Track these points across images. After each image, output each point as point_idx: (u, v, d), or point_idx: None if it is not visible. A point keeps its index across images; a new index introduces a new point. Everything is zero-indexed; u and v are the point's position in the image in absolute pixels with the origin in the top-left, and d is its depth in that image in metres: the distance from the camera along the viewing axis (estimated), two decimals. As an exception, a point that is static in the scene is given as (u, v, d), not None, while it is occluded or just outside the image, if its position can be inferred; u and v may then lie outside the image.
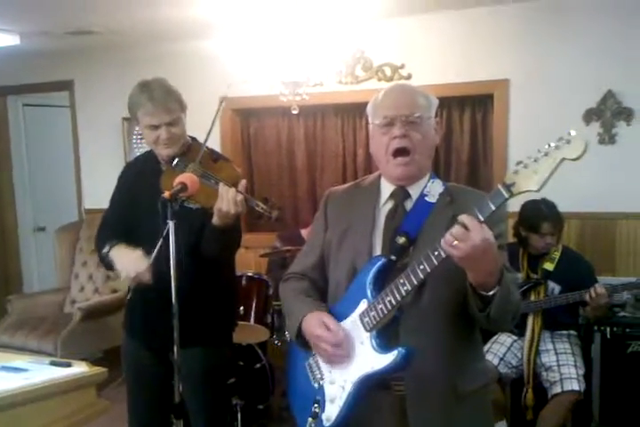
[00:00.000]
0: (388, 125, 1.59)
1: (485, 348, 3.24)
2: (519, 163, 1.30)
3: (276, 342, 3.62)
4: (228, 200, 1.96)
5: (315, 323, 1.60)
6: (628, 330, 3.34)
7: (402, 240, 1.56)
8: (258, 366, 3.51)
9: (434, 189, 1.63)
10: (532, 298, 3.22)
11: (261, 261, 4.15)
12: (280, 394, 3.80)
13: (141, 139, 4.95)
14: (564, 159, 1.24)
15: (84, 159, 5.18)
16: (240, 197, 1.96)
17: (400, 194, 1.65)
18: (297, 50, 3.59)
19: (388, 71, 4.07)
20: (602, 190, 3.67)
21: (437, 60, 3.95)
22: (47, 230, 5.61)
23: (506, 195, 1.31)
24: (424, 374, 1.53)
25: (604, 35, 3.63)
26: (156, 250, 1.96)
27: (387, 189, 1.69)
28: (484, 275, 1.39)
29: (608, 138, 3.69)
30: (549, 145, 1.26)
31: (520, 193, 1.31)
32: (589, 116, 3.70)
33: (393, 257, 1.55)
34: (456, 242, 1.31)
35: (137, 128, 4.84)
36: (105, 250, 2.22)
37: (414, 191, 1.65)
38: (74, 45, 4.62)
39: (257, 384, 3.50)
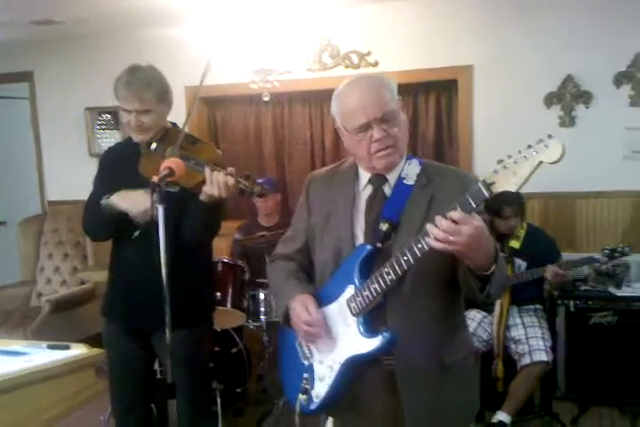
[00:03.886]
0: (364, 131, 1.59)
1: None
2: (500, 162, 1.35)
3: (251, 326, 3.67)
4: (218, 185, 2.00)
5: (298, 303, 1.67)
6: (589, 303, 3.51)
7: (385, 227, 1.60)
8: (234, 350, 3.54)
9: (411, 170, 1.66)
10: (501, 275, 3.35)
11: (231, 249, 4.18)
12: (256, 378, 3.85)
13: (105, 129, 4.91)
14: (541, 162, 1.31)
15: (45, 151, 5.10)
16: (231, 181, 2.00)
17: (378, 179, 1.68)
18: (265, 38, 3.62)
19: (355, 58, 4.14)
20: (563, 171, 3.76)
21: (403, 46, 4.03)
22: (7, 224, 5.50)
23: (486, 194, 1.36)
24: (412, 351, 1.60)
25: (563, 21, 3.77)
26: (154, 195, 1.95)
27: (364, 174, 1.71)
28: (482, 259, 1.44)
29: (568, 120, 3.84)
30: (530, 148, 1.32)
31: (498, 192, 1.36)
32: (550, 99, 3.85)
33: (379, 244, 1.60)
34: (451, 237, 1.34)
35: (100, 118, 4.87)
36: (103, 200, 2.20)
37: (392, 175, 1.67)
38: (33, 36, 4.53)
39: (234, 369, 3.54)
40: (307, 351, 1.75)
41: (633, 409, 3.38)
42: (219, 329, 3.43)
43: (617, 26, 3.71)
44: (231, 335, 3.55)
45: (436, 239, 1.36)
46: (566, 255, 3.39)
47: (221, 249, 4.27)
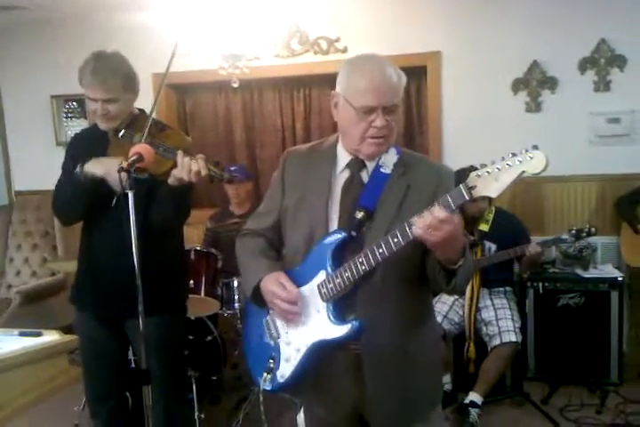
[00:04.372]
0: (367, 113, 1.57)
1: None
2: (483, 166, 1.38)
3: (225, 314, 3.67)
4: (188, 170, 1.99)
5: (272, 281, 1.66)
6: (558, 285, 3.60)
7: (360, 215, 1.60)
8: (209, 338, 3.54)
9: (388, 159, 1.67)
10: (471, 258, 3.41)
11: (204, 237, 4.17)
12: (231, 365, 3.86)
13: (72, 117, 4.84)
14: (524, 172, 1.34)
15: (11, 140, 5.00)
16: (202, 166, 1.99)
17: (356, 164, 1.68)
18: (234, 23, 3.59)
19: (324, 44, 4.13)
20: (530, 156, 3.87)
21: (372, 33, 4.04)
22: (-26, 216, 5.39)
23: (466, 197, 1.39)
24: (379, 338, 1.62)
25: (529, 7, 3.82)
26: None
27: (343, 157, 1.71)
28: (453, 253, 1.48)
29: (534, 106, 3.90)
30: (514, 156, 1.35)
31: (480, 197, 1.41)
32: (517, 85, 3.90)
33: (353, 233, 1.61)
34: (430, 230, 1.38)
35: (67, 106, 4.79)
36: (77, 169, 2.15)
37: (370, 162, 1.67)
38: (-5, 21, 4.43)
39: (209, 356, 3.54)
40: (274, 331, 1.76)
41: (601, 388, 3.47)
42: (192, 317, 3.43)
43: (581, 12, 3.77)
44: (205, 323, 3.55)
45: (418, 229, 1.40)
46: (535, 239, 3.45)
47: (193, 238, 4.26)
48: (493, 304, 3.41)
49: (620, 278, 3.54)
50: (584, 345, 3.53)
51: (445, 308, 3.44)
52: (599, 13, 3.75)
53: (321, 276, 1.64)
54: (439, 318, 3.35)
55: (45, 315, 4.16)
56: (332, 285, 1.61)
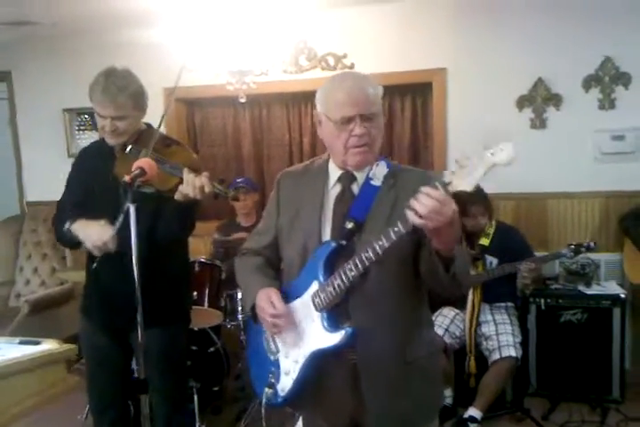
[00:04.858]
0: (346, 123, 1.63)
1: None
2: (456, 162, 1.41)
3: (228, 325, 3.70)
4: (194, 187, 2.05)
5: (262, 297, 1.72)
6: (560, 301, 3.60)
7: (350, 225, 1.65)
8: (212, 349, 3.58)
9: (378, 171, 1.72)
10: (472, 273, 3.42)
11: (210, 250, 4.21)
12: (234, 376, 3.89)
13: (84, 130, 4.93)
14: (495, 164, 1.38)
15: (24, 152, 5.09)
16: (207, 184, 2.04)
17: (347, 178, 1.73)
18: (242, 39, 3.66)
19: (332, 61, 4.19)
20: (534, 172, 3.90)
21: (379, 49, 4.10)
22: (-14, 225, 5.48)
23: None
24: (374, 347, 1.65)
25: (534, 25, 3.86)
26: (119, 221, 2.01)
27: (334, 172, 1.77)
28: (451, 240, 1.49)
29: (539, 123, 3.93)
30: (485, 149, 1.39)
31: (456, 192, 1.42)
32: (522, 102, 3.94)
33: (343, 242, 1.65)
34: (434, 215, 1.39)
35: (79, 119, 4.88)
36: (66, 226, 2.24)
37: (360, 175, 1.73)
38: (10, 36, 4.53)
39: (211, 367, 3.58)
40: (273, 346, 1.80)
41: (602, 405, 3.46)
42: (196, 328, 3.47)
43: (586, 30, 3.80)
44: (209, 335, 3.58)
45: (420, 216, 1.39)
46: (538, 255, 3.46)
47: (199, 249, 4.30)
48: (494, 319, 3.42)
49: (622, 295, 3.53)
50: (586, 362, 3.52)
51: (447, 321, 3.45)
52: (604, 31, 3.78)
53: (314, 286, 1.68)
54: (440, 332, 3.36)
55: (53, 324, 4.21)
56: (324, 294, 1.64)
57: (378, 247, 1.52)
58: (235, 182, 4.11)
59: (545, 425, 3.31)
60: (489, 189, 3.56)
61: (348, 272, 1.59)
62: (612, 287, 3.68)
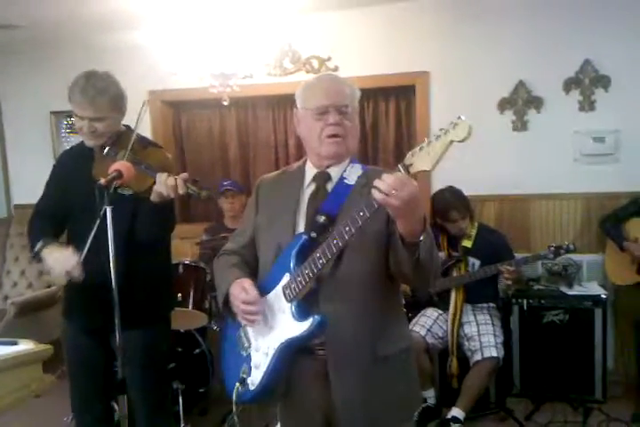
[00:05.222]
0: (322, 113, 1.72)
1: (414, 321, 3.47)
2: (417, 145, 1.45)
3: (214, 327, 3.72)
4: (166, 186, 2.07)
5: (236, 286, 1.74)
6: (542, 302, 3.63)
7: (322, 219, 1.69)
8: (197, 351, 3.59)
9: (352, 172, 1.77)
10: (455, 274, 3.46)
11: (197, 252, 4.23)
12: (220, 378, 3.90)
13: (71, 133, 4.94)
14: (452, 141, 1.40)
15: (11, 155, 5.10)
16: (181, 187, 2.06)
17: (322, 177, 1.79)
18: (226, 42, 3.67)
19: (316, 63, 4.22)
20: (516, 174, 3.94)
21: (362, 52, 4.13)
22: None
23: (405, 174, 1.44)
24: (344, 339, 1.66)
25: (516, 29, 3.90)
26: (86, 247, 2.05)
27: (310, 172, 1.82)
28: (416, 221, 1.50)
29: (520, 125, 3.97)
30: (441, 130, 1.42)
31: (417, 172, 1.45)
32: (503, 104, 3.98)
33: (313, 234, 1.68)
34: (394, 191, 1.41)
35: (65, 121, 4.89)
36: (37, 248, 2.26)
37: (335, 174, 1.78)
38: (-4, 39, 4.54)
39: (197, 369, 3.59)
40: (245, 342, 1.81)
41: (585, 405, 3.47)
42: (182, 330, 3.48)
43: (566, 34, 3.85)
44: (194, 336, 3.60)
45: (381, 192, 1.42)
46: (519, 256, 3.48)
47: (186, 252, 4.32)
48: (476, 320, 3.44)
49: (603, 296, 3.57)
50: (568, 362, 3.54)
51: (430, 322, 3.47)
52: (584, 35, 3.83)
53: (285, 278, 1.70)
54: (423, 332, 3.38)
55: (39, 327, 4.21)
56: (294, 284, 1.66)
57: (344, 232, 1.54)
58: (222, 185, 4.13)
59: (528, 425, 3.34)
60: (470, 191, 3.62)
61: (317, 260, 1.61)
62: (594, 288, 3.72)
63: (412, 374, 1.86)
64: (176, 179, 2.07)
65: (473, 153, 3.85)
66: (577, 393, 3.55)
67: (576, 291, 3.68)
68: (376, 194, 1.43)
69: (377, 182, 1.43)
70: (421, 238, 1.52)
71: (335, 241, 1.56)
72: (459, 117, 1.40)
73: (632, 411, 3.42)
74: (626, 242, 3.60)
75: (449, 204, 3.48)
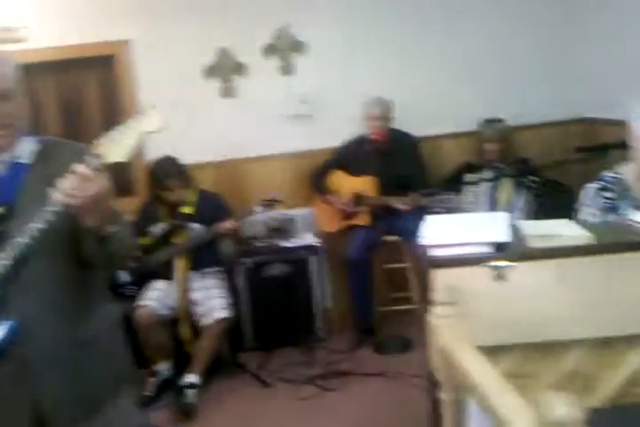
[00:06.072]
0: None
1: (143, 295, 3.47)
2: (106, 133, 1.41)
3: None
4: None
5: None
6: (263, 257, 3.88)
7: (0, 210, 1.55)
8: None
9: (24, 148, 1.61)
10: (177, 242, 3.54)
11: None
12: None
13: None
14: (147, 132, 1.40)
15: None
16: None
17: None
18: None
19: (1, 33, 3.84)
20: (230, 139, 4.06)
21: (55, 22, 3.86)
22: None
23: (96, 164, 1.39)
24: (41, 333, 1.59)
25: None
26: None
27: None
28: (102, 217, 1.45)
29: (228, 91, 4.09)
30: (133, 119, 1.40)
31: (109, 163, 1.41)
32: (209, 72, 4.05)
33: None
34: (76, 191, 1.34)
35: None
36: None
37: (5, 155, 1.60)
38: None
39: None
40: None
41: (309, 345, 3.83)
42: None
43: (263, 1, 4.01)
44: None
45: (64, 194, 1.36)
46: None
47: None
48: (205, 285, 3.56)
49: (316, 244, 3.93)
50: (292, 310, 3.85)
51: (161, 294, 3.48)
52: (280, 1, 4.03)
53: None
54: (154, 304, 3.41)
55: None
56: None
57: (33, 230, 1.45)
58: None
59: (261, 374, 3.57)
60: (187, 159, 3.68)
61: (1, 262, 1.49)
62: (309, 238, 4.06)
63: (118, 349, 1.82)
64: None
65: (184, 122, 3.90)
66: (302, 336, 3.88)
67: (293, 243, 3.98)
68: (56, 195, 1.37)
69: (59, 181, 1.37)
70: (114, 230, 1.50)
71: (22, 240, 1.46)
72: (152, 106, 1.39)
73: (350, 342, 3.85)
74: (328, 195, 3.95)
75: (166, 173, 3.51)
